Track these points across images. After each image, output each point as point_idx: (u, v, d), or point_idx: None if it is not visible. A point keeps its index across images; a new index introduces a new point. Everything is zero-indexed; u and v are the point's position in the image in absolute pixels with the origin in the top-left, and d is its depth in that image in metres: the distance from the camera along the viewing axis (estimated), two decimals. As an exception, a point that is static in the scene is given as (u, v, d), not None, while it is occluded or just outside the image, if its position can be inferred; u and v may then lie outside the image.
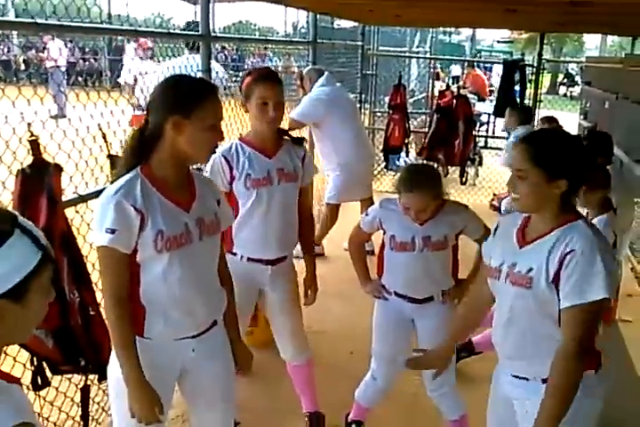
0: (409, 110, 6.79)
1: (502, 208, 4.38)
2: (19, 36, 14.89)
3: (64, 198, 2.06)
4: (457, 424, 2.54)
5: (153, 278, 1.69)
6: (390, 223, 2.38)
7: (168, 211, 1.68)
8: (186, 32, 3.84)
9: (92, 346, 2.00)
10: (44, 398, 2.16)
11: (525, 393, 1.73)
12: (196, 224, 1.73)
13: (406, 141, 6.42)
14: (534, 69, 6.77)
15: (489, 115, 9.58)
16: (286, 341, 2.58)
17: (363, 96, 6.78)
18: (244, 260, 2.40)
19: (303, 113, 4.43)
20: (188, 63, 3.85)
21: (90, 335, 1.99)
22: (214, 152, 1.79)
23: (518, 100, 6.87)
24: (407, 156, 6.84)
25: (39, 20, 2.08)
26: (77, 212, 2.30)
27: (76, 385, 2.21)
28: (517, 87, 6.87)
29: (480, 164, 8.06)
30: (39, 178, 1.91)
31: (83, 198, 2.24)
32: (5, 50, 16.75)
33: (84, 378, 2.09)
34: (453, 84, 11.15)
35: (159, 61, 5.71)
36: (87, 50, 16.70)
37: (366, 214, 2.48)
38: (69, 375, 2.14)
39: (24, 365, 1.99)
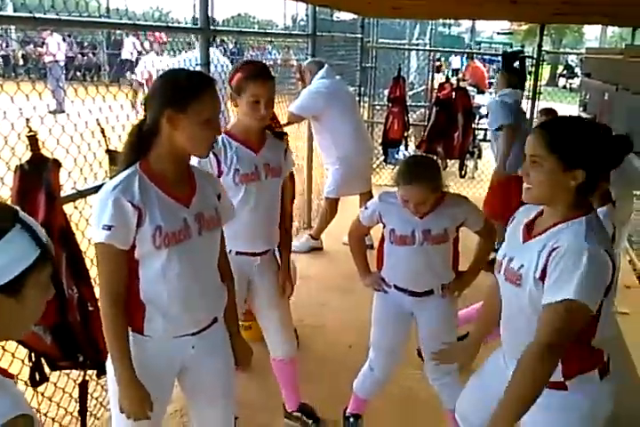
0: (408, 103, 6.77)
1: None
2: (17, 30, 14.86)
3: (63, 194, 2.05)
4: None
5: (152, 275, 1.69)
6: (390, 217, 2.38)
7: (167, 206, 1.68)
8: (184, 25, 3.83)
9: (90, 342, 2.00)
10: (43, 394, 2.17)
11: None
12: (196, 219, 1.72)
13: (405, 135, 6.41)
14: (534, 61, 6.75)
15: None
16: (276, 335, 2.58)
17: (362, 89, 6.77)
18: (233, 253, 2.40)
19: (302, 106, 4.43)
20: (194, 57, 3.83)
21: (88, 331, 2.00)
22: (213, 146, 1.77)
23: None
24: (406, 149, 6.83)
25: (37, 15, 2.07)
26: (76, 207, 2.30)
27: (75, 381, 2.22)
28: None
29: (479, 157, 8.05)
30: (38, 174, 1.91)
31: (81, 194, 2.24)
32: (4, 45, 16.70)
33: (82, 374, 2.10)
34: (453, 76, 11.12)
35: (174, 56, 5.68)
36: (86, 44, 16.65)
37: (365, 208, 2.48)
38: (68, 371, 2.14)
39: (22, 361, 2.00)
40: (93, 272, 2.07)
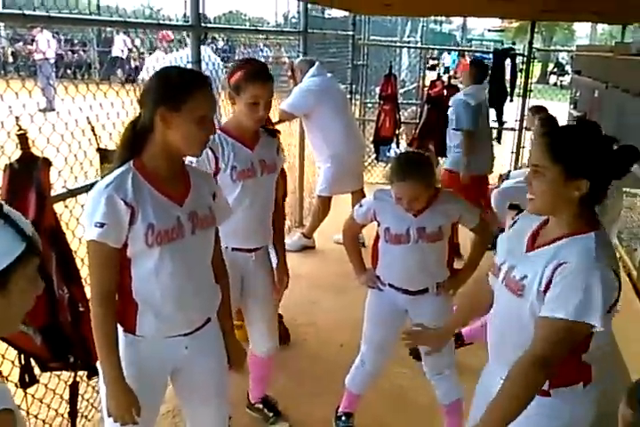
0: (399, 101, 6.78)
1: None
2: (6, 27, 14.72)
3: (53, 193, 2.04)
4: (452, 408, 2.55)
5: (144, 273, 1.68)
6: (385, 215, 2.38)
7: (160, 204, 1.67)
8: (175, 23, 3.81)
9: (81, 343, 1.99)
10: (33, 396, 2.15)
11: None
12: (189, 218, 1.71)
13: (397, 132, 6.41)
14: (525, 58, 6.77)
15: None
16: (261, 331, 2.59)
17: (353, 87, 6.77)
18: (229, 250, 2.41)
19: (293, 104, 4.42)
20: (185, 55, 3.80)
21: (79, 332, 1.98)
22: (206, 146, 1.76)
23: (509, 89, 6.88)
24: (398, 147, 6.84)
25: (27, 12, 2.05)
26: (67, 206, 2.29)
27: (65, 382, 2.20)
28: (508, 76, 6.87)
29: (471, 154, 8.06)
30: (28, 172, 1.89)
31: (72, 193, 2.23)
32: (-7, 42, 16.55)
33: (72, 375, 2.08)
34: (444, 73, 11.14)
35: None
36: (76, 42, 16.53)
37: (360, 206, 2.48)
38: (58, 372, 2.13)
39: (12, 362, 1.99)
40: (84, 272, 2.06)
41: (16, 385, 1.92)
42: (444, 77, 7.02)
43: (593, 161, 1.49)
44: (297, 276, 2.84)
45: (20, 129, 1.91)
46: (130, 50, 13.36)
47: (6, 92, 2.09)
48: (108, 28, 11.04)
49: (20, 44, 15.17)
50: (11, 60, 15.56)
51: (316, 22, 5.69)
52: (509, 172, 6.01)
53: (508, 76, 6.85)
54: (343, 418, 2.72)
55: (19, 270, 0.98)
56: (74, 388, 2.09)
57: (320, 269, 4.36)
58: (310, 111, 4.45)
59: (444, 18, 15.97)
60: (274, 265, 2.64)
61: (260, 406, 2.79)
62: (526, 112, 6.05)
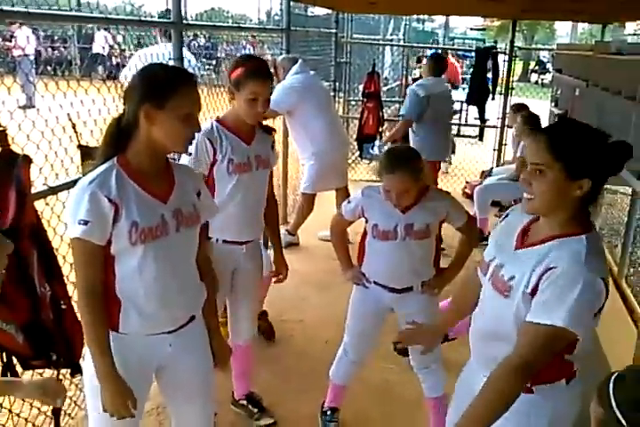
0: (383, 98, 6.79)
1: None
2: (-16, 23, 14.50)
3: (33, 190, 2.02)
4: (438, 401, 2.57)
5: (128, 271, 1.67)
6: (373, 211, 2.38)
7: (143, 202, 1.66)
8: (157, 19, 3.78)
9: (63, 340, 1.97)
10: (15, 394, 2.13)
11: None
12: (173, 216, 1.70)
13: (380, 130, 6.42)
14: (506, 57, 6.81)
15: (462, 103, 9.63)
16: (243, 320, 2.62)
17: (337, 84, 6.76)
18: (220, 242, 2.43)
19: (276, 101, 4.39)
20: (160, 51, 3.78)
21: (61, 329, 1.97)
22: (191, 143, 1.75)
23: (491, 87, 6.92)
24: (381, 144, 6.86)
25: (5, 7, 2.03)
26: (47, 204, 2.27)
27: (48, 380, 2.19)
28: (490, 75, 6.91)
29: (453, 152, 8.11)
30: (8, 170, 1.87)
31: (53, 190, 2.21)
32: (-30, 38, 16.31)
33: (55, 373, 2.07)
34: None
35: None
36: (56, 38, 16.34)
37: (348, 202, 2.49)
38: (41, 370, 2.11)
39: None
40: (66, 270, 2.04)
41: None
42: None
43: (595, 159, 1.45)
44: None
45: (0, 126, 1.88)
46: (111, 46, 13.23)
47: (-15, 88, 2.06)
48: (89, 25, 10.91)
49: (-1, 40, 14.95)
50: (-11, 56, 15.33)
51: (299, 20, 5.68)
52: (492, 169, 6.06)
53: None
54: (329, 413, 2.73)
55: None
56: (57, 386, 2.07)
57: (305, 266, 4.36)
58: (293, 109, 4.45)
59: (426, 16, 16.02)
60: (264, 260, 2.67)
61: (245, 402, 2.80)
62: (508, 110, 6.10)
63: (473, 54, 7.65)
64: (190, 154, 2.30)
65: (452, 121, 7.46)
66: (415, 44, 11.32)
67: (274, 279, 2.75)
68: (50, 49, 15.70)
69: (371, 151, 6.95)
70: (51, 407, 2.03)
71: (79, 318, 1.71)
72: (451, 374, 2.65)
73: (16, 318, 1.83)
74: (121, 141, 1.67)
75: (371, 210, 2.39)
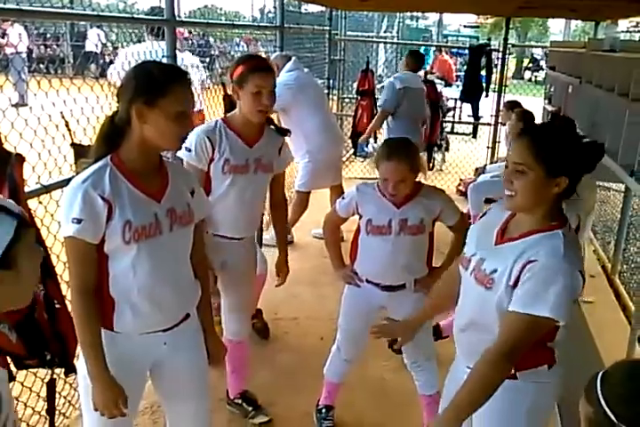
0: (377, 96, 6.79)
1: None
2: (-24, 21, 14.41)
3: (27, 189, 2.01)
4: (432, 399, 2.57)
5: (121, 270, 1.67)
6: (367, 206, 2.38)
7: (137, 201, 1.65)
8: (150, 17, 3.76)
9: (57, 339, 1.96)
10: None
11: None
12: (167, 214, 1.70)
13: (374, 127, 6.41)
14: (500, 54, 6.83)
15: (456, 100, 9.64)
16: (236, 316, 2.63)
17: (331, 82, 6.76)
18: (210, 234, 2.43)
19: (270, 99, 4.40)
20: (147, 49, 3.73)
21: (55, 329, 1.96)
22: (184, 141, 1.75)
23: (484, 84, 6.93)
24: (375, 141, 6.86)
25: (-3, 5, 2.02)
26: (41, 202, 2.26)
27: (42, 380, 2.18)
28: (484, 72, 6.93)
29: (447, 149, 8.13)
30: (0, 169, 1.86)
31: (46, 189, 2.20)
32: (-38, 36, 16.19)
33: (49, 372, 2.06)
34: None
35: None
36: (49, 36, 16.25)
37: (343, 198, 2.49)
38: (35, 370, 2.11)
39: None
40: (60, 269, 2.03)
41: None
42: (421, 73, 7.04)
43: (572, 159, 1.56)
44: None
45: (-8, 124, 1.88)
46: (104, 44, 13.17)
47: (-23, 86, 2.04)
48: (82, 22, 10.86)
49: (-9, 37, 14.86)
50: (-19, 54, 15.23)
51: (293, 17, 5.67)
52: (485, 166, 6.07)
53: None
54: (324, 411, 2.74)
55: (20, 245, 1.04)
56: (51, 385, 2.06)
57: (300, 264, 4.36)
58: (287, 106, 4.44)
59: (420, 14, 16.03)
60: (258, 257, 2.70)
61: (240, 401, 2.80)
62: (501, 107, 6.11)
63: (467, 52, 7.65)
64: (187, 149, 2.31)
65: (447, 118, 7.47)
66: (409, 42, 11.33)
67: (277, 281, 2.74)
68: (42, 47, 15.61)
69: (365, 149, 6.95)
70: (45, 407, 2.03)
71: (72, 317, 1.70)
72: (444, 371, 2.67)
73: (9, 317, 1.82)
74: (114, 140, 1.66)
75: (365, 205, 2.39)
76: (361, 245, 2.45)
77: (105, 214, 1.60)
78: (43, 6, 2.56)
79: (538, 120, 5.05)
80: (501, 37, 6.95)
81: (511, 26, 7.45)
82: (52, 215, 2.24)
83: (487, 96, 7.00)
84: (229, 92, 2.45)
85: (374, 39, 9.32)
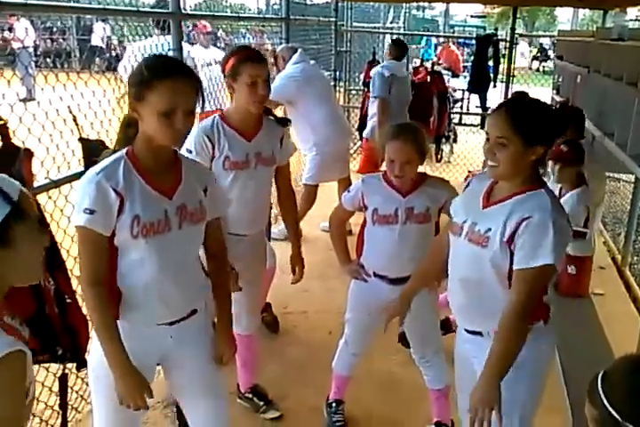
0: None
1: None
2: (-18, 16, 14.42)
3: (36, 184, 2.02)
4: (441, 393, 2.58)
5: (130, 264, 1.67)
6: (373, 196, 2.37)
7: (148, 196, 1.64)
8: (155, 10, 3.75)
9: (69, 334, 1.97)
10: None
11: (481, 350, 1.75)
12: (177, 212, 1.68)
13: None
14: (507, 44, 6.77)
15: (463, 91, 9.59)
16: (247, 310, 2.62)
17: (337, 73, 6.73)
18: None
19: (277, 91, 4.35)
20: (153, 44, 3.71)
21: (66, 323, 1.97)
22: (186, 137, 1.72)
23: (492, 75, 6.88)
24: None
25: (3, -1, 2.02)
26: (50, 197, 2.26)
27: (54, 374, 2.19)
28: (491, 62, 6.88)
29: (455, 140, 8.09)
30: (9, 164, 1.86)
31: (55, 184, 2.20)
32: (-32, 31, 16.22)
33: (61, 367, 2.07)
34: (426, 60, 11.12)
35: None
36: (55, 30, 16.25)
37: (348, 191, 2.48)
38: (47, 365, 2.12)
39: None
40: (70, 264, 2.04)
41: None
42: (427, 64, 7.01)
43: (547, 129, 1.73)
44: (285, 264, 2.84)
45: (1, 119, 1.87)
46: (109, 38, 13.16)
47: (-16, 81, 2.04)
48: (87, 16, 10.85)
49: (-3, 32, 14.87)
50: (-12, 49, 15.26)
51: (299, 8, 5.64)
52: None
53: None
54: (334, 405, 2.74)
55: (17, 226, 1.11)
56: (63, 380, 2.07)
57: (308, 257, 4.32)
58: (294, 99, 4.42)
59: (426, 4, 15.92)
60: (267, 252, 2.70)
61: (250, 395, 2.80)
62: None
63: (474, 42, 7.60)
64: (188, 150, 2.27)
65: (454, 110, 7.43)
66: (415, 32, 11.26)
67: (292, 279, 2.73)
68: (49, 41, 15.63)
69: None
70: (58, 401, 2.04)
71: (84, 312, 1.70)
72: (453, 365, 2.66)
73: (21, 312, 1.82)
74: (130, 133, 1.67)
75: (371, 195, 2.38)
76: (367, 237, 2.44)
77: (116, 207, 1.60)
78: (49, 0, 2.55)
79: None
80: (508, 27, 6.88)
81: (518, 15, 7.39)
82: (61, 210, 2.25)
83: (495, 87, 6.95)
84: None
85: (381, 30, 9.27)
